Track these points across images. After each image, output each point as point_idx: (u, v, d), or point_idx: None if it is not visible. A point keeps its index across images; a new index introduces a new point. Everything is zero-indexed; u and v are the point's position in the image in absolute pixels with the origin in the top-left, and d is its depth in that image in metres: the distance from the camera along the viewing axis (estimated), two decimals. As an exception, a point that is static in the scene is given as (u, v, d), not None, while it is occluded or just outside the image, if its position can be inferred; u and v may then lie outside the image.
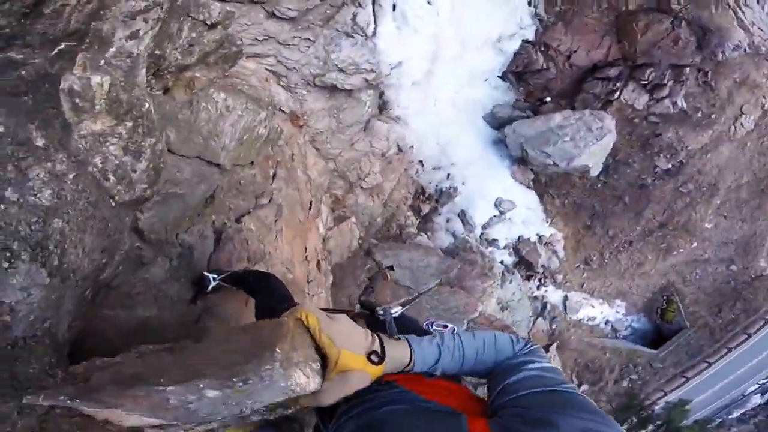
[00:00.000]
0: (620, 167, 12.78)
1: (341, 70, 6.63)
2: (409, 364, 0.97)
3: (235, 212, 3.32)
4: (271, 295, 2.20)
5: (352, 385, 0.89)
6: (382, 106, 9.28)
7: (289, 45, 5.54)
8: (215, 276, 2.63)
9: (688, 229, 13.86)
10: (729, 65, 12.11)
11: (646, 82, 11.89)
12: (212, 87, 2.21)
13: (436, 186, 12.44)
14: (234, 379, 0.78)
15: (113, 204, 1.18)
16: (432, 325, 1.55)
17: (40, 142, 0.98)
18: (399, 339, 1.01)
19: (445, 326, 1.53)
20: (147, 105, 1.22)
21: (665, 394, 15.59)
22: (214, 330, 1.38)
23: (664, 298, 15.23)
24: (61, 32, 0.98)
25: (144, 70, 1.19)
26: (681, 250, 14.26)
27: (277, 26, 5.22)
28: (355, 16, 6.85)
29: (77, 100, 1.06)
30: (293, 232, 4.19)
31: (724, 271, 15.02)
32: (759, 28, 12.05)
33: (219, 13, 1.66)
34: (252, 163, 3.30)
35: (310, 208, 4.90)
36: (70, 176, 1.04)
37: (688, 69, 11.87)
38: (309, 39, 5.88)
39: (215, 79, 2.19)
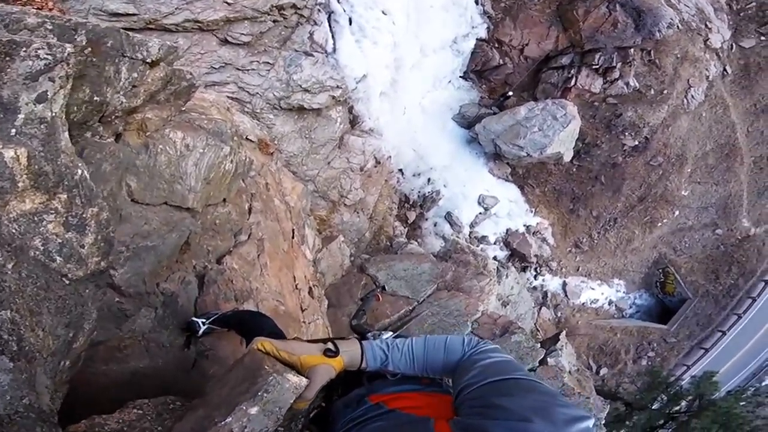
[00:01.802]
0: (591, 150, 13.20)
1: (306, 90, 6.61)
2: (362, 359, 1.12)
3: (214, 254, 3.18)
4: (260, 334, 2.15)
5: (322, 376, 1.06)
6: (354, 121, 9.30)
7: (248, 70, 5.49)
8: (203, 321, 2.56)
9: (666, 199, 14.26)
10: (668, 43, 12.83)
11: (597, 66, 12.47)
12: (167, 127, 2.10)
13: (419, 192, 12.48)
14: (259, 393, 0.96)
15: (67, 282, 1.09)
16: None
17: None
18: (350, 339, 1.17)
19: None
20: (80, 172, 1.11)
21: (688, 368, 15.48)
22: (207, 385, 1.30)
23: (660, 270, 15.41)
24: (-49, 109, 0.87)
25: (66, 134, 1.08)
26: (665, 221, 14.62)
27: (232, 52, 5.18)
28: (311, 34, 6.87)
29: None
30: (279, 264, 4.05)
31: (711, 235, 15.40)
32: (684, 5, 12.85)
33: (159, 49, 1.56)
34: (224, 200, 3.17)
35: (293, 237, 4.76)
36: (9, 266, 0.96)
37: (632, 50, 12.51)
38: (268, 62, 5.85)
39: (169, 118, 2.08)
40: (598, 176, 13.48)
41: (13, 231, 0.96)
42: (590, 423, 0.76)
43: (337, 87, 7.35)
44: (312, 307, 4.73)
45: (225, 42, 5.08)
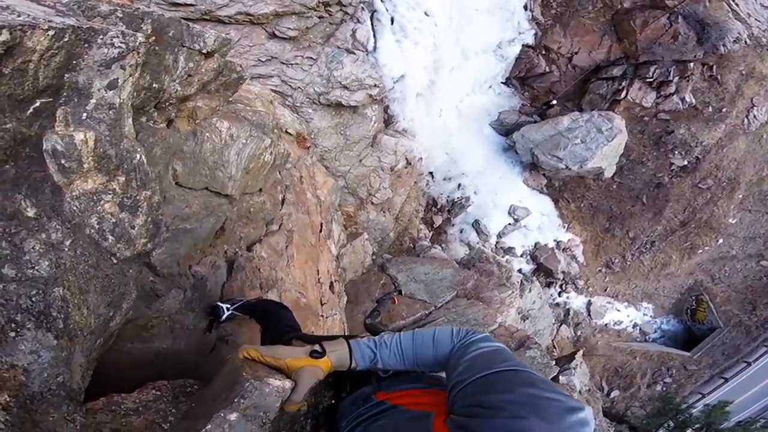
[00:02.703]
0: (635, 167, 12.58)
1: (345, 87, 6.66)
2: (351, 359, 1.10)
3: (245, 241, 3.27)
4: (277, 325, 2.20)
5: (308, 378, 1.06)
6: (388, 121, 9.30)
7: (291, 64, 5.59)
8: (228, 306, 2.62)
9: (711, 226, 13.43)
10: (733, 58, 12.02)
11: (652, 79, 11.79)
12: (215, 116, 2.16)
13: (448, 197, 12.32)
14: (236, 400, 0.97)
15: (115, 261, 1.14)
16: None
17: (30, 212, 0.95)
18: (337, 338, 1.15)
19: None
20: (138, 156, 1.17)
21: (703, 396, 14.82)
22: (199, 392, 1.35)
23: (693, 298, 14.64)
24: (31, 90, 0.93)
25: (130, 120, 1.13)
26: (706, 248, 13.78)
27: (278, 46, 5.29)
28: (354, 32, 6.91)
29: (63, 161, 1.00)
30: (305, 256, 4.11)
31: (754, 267, 14.46)
32: (756, 19, 11.98)
33: (214, 41, 1.60)
34: (260, 190, 3.24)
35: (320, 231, 4.83)
36: (67, 243, 1.03)
37: (692, 64, 11.80)
38: (311, 57, 5.93)
39: (218, 108, 2.14)
40: (640, 196, 12.83)
41: (74, 208, 1.01)
42: (584, 414, 0.73)
43: (375, 86, 7.38)
44: (331, 302, 4.78)
45: (273, 36, 5.21)
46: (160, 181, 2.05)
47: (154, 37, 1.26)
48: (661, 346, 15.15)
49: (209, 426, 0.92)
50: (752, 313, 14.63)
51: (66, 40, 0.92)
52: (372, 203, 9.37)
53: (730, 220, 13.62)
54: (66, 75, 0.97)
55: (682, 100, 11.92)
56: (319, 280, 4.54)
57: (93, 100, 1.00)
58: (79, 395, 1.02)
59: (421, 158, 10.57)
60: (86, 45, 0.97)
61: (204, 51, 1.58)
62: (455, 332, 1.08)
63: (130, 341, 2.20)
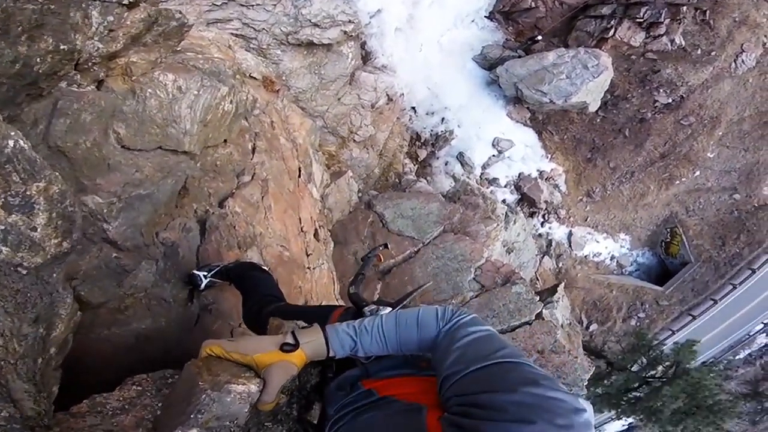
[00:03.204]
0: (619, 102, 12.52)
1: (315, 25, 6.10)
2: (329, 348, 1.03)
3: (216, 197, 3.08)
4: (256, 294, 2.12)
5: (280, 375, 0.97)
6: (366, 57, 8.73)
7: (252, 6, 5.01)
8: (205, 274, 2.49)
9: (689, 159, 13.71)
10: (727, 5, 11.75)
11: (642, 20, 11.50)
12: (157, 69, 1.90)
13: (431, 131, 12.04)
14: (192, 415, 0.89)
15: (24, 272, 0.96)
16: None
17: None
18: (311, 326, 1.06)
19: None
20: (12, 143, 0.91)
21: (673, 333, 15.62)
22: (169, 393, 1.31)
23: (668, 230, 15.17)
24: None
25: None
26: (683, 179, 14.16)
27: None
28: None
29: None
30: (284, 206, 3.98)
31: (727, 200, 14.94)
32: None
33: None
34: (225, 141, 3.02)
35: (299, 175, 4.64)
36: None
37: (684, 8, 11.47)
38: None
39: (159, 61, 1.88)
40: (623, 129, 12.90)
41: None
42: (588, 414, 0.70)
43: (349, 22, 6.77)
44: (317, 251, 4.74)
45: None
46: (99, 148, 1.85)
47: None
48: (636, 279, 15.68)
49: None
50: (721, 248, 15.26)
51: None
52: (354, 141, 9.09)
53: (708, 155, 13.86)
54: None
55: (672, 41, 11.73)
56: (302, 229, 4.45)
57: None
58: (41, 420, 0.92)
59: (403, 94, 10.11)
60: None
61: (124, 2, 1.32)
62: (440, 313, 1.02)
63: (107, 327, 2.10)
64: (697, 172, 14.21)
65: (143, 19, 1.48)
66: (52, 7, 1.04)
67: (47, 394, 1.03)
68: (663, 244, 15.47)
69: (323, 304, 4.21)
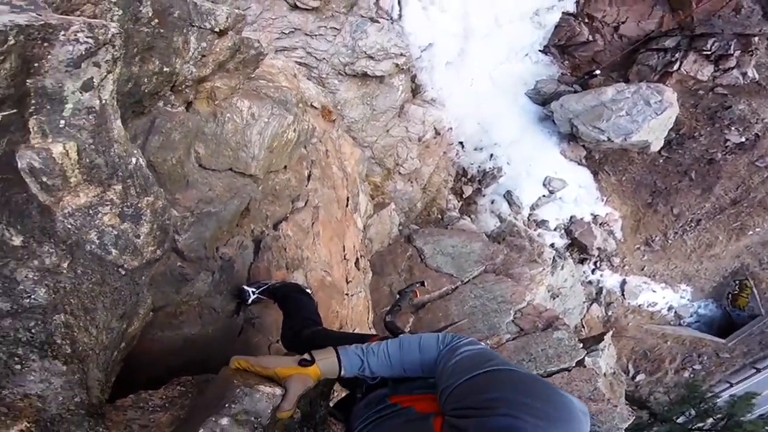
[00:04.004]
0: (685, 142, 11.68)
1: (370, 57, 6.43)
2: (340, 366, 1.13)
3: (272, 219, 3.24)
4: (297, 316, 2.21)
5: (297, 386, 1.08)
6: (416, 90, 8.97)
7: (315, 35, 5.39)
8: (254, 290, 2.62)
9: (765, 206, 12.39)
10: None
11: (709, 52, 10.80)
12: (235, 95, 2.06)
13: (479, 167, 11.88)
14: (226, 405, 1.00)
15: (123, 273, 1.09)
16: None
17: (17, 241, 0.88)
18: (326, 348, 1.18)
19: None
20: (135, 161, 1.06)
21: (731, 386, 14.23)
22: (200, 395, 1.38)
23: (737, 282, 13.76)
24: (-13, 104, 0.82)
25: (118, 122, 1.02)
26: (757, 230, 12.77)
27: (301, 17, 5.07)
28: (377, 1, 6.56)
29: (44, 178, 0.91)
30: (330, 233, 4.08)
31: None
32: None
33: (227, 18, 1.48)
34: (285, 167, 3.17)
35: (347, 204, 4.77)
36: (65, 265, 0.95)
37: (756, 38, 10.68)
38: (335, 28, 5.70)
39: (237, 87, 2.04)
40: (689, 171, 11.91)
41: (69, 227, 0.93)
42: (577, 408, 0.75)
43: (401, 55, 7.08)
44: (356, 280, 4.78)
45: (295, 7, 4.98)
46: (182, 165, 2.00)
47: (157, 20, 1.13)
48: (695, 331, 14.42)
49: (201, 431, 0.94)
50: None
51: (12, 43, 0.80)
52: (399, 173, 9.22)
53: None
54: (28, 81, 0.86)
55: (743, 74, 10.90)
56: (345, 257, 4.52)
57: (69, 105, 0.90)
58: (100, 408, 1.01)
59: (451, 128, 10.18)
60: (46, 44, 0.85)
61: (216, 29, 1.46)
62: (441, 338, 1.10)
63: (161, 329, 2.24)
64: None
65: (229, 47, 1.62)
66: (162, 31, 1.16)
67: (109, 386, 1.12)
68: (730, 296, 14.03)
69: (357, 331, 4.25)
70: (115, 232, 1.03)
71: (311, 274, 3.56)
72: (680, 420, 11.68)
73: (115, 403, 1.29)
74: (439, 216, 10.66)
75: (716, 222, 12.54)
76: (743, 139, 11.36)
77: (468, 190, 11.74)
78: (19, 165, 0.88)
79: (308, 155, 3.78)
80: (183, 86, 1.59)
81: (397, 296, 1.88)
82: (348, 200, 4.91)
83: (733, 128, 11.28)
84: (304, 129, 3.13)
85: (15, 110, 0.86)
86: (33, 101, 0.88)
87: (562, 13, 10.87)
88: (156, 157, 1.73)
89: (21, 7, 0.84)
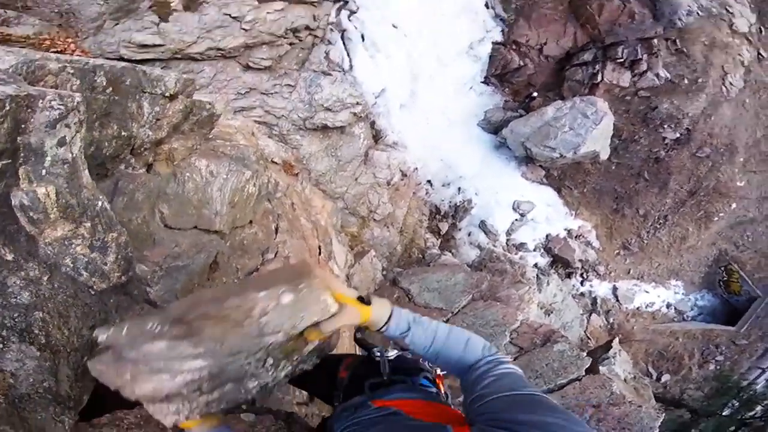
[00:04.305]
0: (629, 146, 12.50)
1: (328, 109, 6.84)
2: (387, 321, 1.11)
3: (242, 272, 3.34)
4: None
5: (347, 316, 1.05)
6: (377, 136, 9.46)
7: (271, 93, 5.76)
8: None
9: (720, 192, 13.10)
10: (691, 30, 12.18)
11: (622, 59, 11.93)
12: (193, 155, 2.28)
13: (450, 202, 12.30)
14: (299, 286, 0.97)
15: (92, 293, 1.28)
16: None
17: (9, 257, 1.11)
18: (384, 299, 1.16)
19: None
20: (100, 203, 1.35)
21: (763, 372, 13.86)
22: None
23: (722, 269, 14.04)
24: (-9, 156, 1.10)
25: (86, 171, 1.32)
26: (721, 215, 13.39)
27: (255, 77, 5.45)
28: (327, 53, 7.13)
29: (31, 213, 1.15)
30: (307, 280, 4.14)
31: None
32: None
33: (175, 83, 1.73)
34: (251, 222, 3.34)
35: (319, 254, 4.89)
36: (44, 279, 1.20)
37: (655, 40, 11.93)
38: (289, 84, 6.12)
39: (195, 147, 2.26)
40: (641, 172, 12.65)
41: (48, 252, 1.17)
42: None
43: (357, 103, 7.54)
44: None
45: (248, 67, 5.40)
46: (147, 225, 2.16)
47: (111, 88, 1.38)
48: (701, 323, 14.40)
49: (263, 293, 0.93)
50: None
51: (8, 108, 1.06)
52: (374, 220, 9.44)
53: (738, 183, 13.28)
54: (18, 138, 1.11)
55: (657, 75, 12.03)
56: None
57: (48, 158, 1.17)
58: (68, 401, 1.13)
59: (416, 168, 10.67)
60: (29, 110, 1.12)
61: (167, 94, 1.71)
62: (486, 346, 1.13)
63: None
64: (734, 205, 13.47)
65: (181, 110, 1.86)
66: (116, 97, 1.40)
67: (79, 391, 1.23)
68: (721, 283, 14.22)
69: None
70: (86, 259, 1.25)
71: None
72: (725, 412, 11.28)
73: (91, 422, 1.37)
74: (420, 255, 10.80)
75: (681, 215, 13.14)
76: (678, 135, 12.29)
77: (444, 227, 12.04)
78: (13, 203, 1.14)
79: (274, 209, 3.98)
80: (142, 149, 1.80)
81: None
82: (320, 249, 5.05)
83: (665, 126, 12.21)
84: (264, 183, 3.36)
85: (10, 161, 1.13)
86: (22, 154, 1.14)
87: (492, 43, 11.88)
88: (121, 217, 1.89)
89: (4, 80, 1.11)
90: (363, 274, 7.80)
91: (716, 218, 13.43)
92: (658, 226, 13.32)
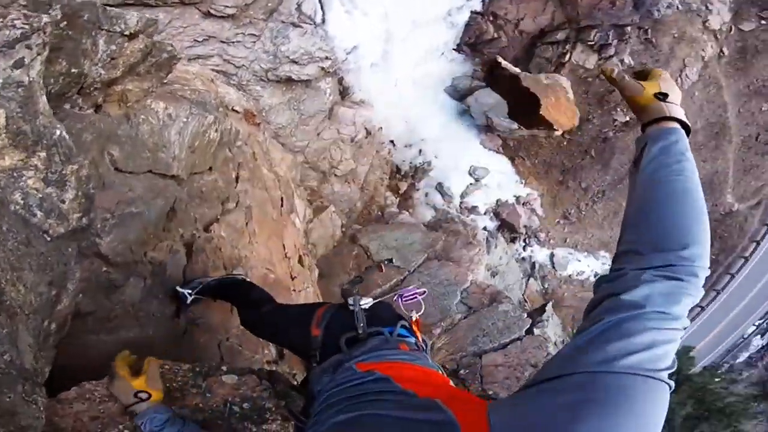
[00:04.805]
0: (583, 124, 13.22)
1: (294, 62, 6.47)
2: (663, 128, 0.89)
3: (201, 221, 3.23)
4: (248, 298, 2.26)
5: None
6: (344, 92, 9.16)
7: (233, 42, 5.33)
8: (189, 291, 2.59)
9: (655, 175, 14.44)
10: (666, 22, 12.84)
11: (593, 42, 12.41)
12: (149, 97, 2.12)
13: (410, 163, 12.51)
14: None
15: (48, 239, 1.13)
16: (402, 298, 1.58)
17: None
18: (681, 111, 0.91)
19: (415, 294, 1.62)
20: (58, 132, 1.15)
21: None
22: None
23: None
24: None
25: (44, 97, 1.12)
26: (651, 195, 14.83)
27: (216, 25, 5.00)
28: (299, 5, 6.66)
29: None
30: (267, 232, 4.13)
31: None
32: None
33: (137, 22, 1.57)
34: (210, 168, 3.21)
35: (282, 205, 4.83)
36: None
37: (629, 28, 12.50)
38: (253, 34, 5.68)
39: (151, 89, 2.10)
40: (589, 150, 13.64)
41: None
42: None
43: (327, 58, 7.18)
44: (302, 276, 4.84)
45: (208, 15, 4.88)
46: (96, 166, 2.02)
47: (66, 22, 1.24)
48: None
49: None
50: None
51: None
52: (335, 175, 9.35)
53: None
54: None
55: (621, 62, 12.72)
56: (286, 255, 4.58)
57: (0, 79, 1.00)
58: (35, 376, 1.03)
59: (381, 127, 10.56)
60: None
61: (126, 33, 1.55)
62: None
63: (95, 333, 2.17)
64: None
65: (141, 50, 1.71)
66: (70, 32, 1.26)
67: (44, 362, 1.14)
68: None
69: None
70: (40, 195, 1.10)
71: (252, 272, 3.58)
72: None
73: (58, 397, 1.30)
74: (380, 213, 10.96)
75: (618, 191, 14.42)
76: (627, 118, 13.26)
77: (403, 186, 12.27)
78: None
79: (234, 157, 3.82)
80: (91, 88, 1.65)
81: (359, 272, 1.98)
82: (282, 200, 4.98)
83: (618, 109, 13.12)
84: (226, 129, 3.21)
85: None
86: (-32, 72, 0.94)
87: (471, 12, 11.80)
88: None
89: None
90: (322, 230, 7.80)
91: (646, 197, 14.85)
92: (596, 200, 14.58)
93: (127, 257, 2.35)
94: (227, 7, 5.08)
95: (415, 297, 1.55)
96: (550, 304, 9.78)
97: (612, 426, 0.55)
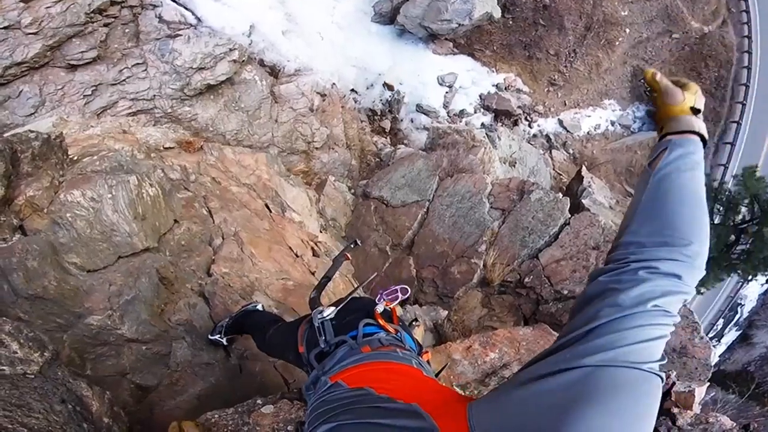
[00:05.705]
0: (516, 0, 12.73)
1: (201, 68, 6.02)
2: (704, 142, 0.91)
3: (200, 270, 3.24)
4: (256, 326, 2.33)
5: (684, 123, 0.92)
6: (274, 71, 8.59)
7: (124, 81, 4.95)
8: (219, 337, 2.72)
9: (610, 21, 13.83)
10: None
11: None
12: (60, 192, 1.99)
13: (381, 100, 12.00)
14: None
15: (32, 376, 1.24)
16: (382, 297, 1.49)
17: None
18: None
19: (396, 292, 1.50)
20: None
21: (725, 168, 14.97)
22: None
23: (641, 81, 14.88)
24: None
25: None
26: (621, 39, 14.19)
27: (90, 73, 4.62)
28: (160, 16, 6.01)
29: None
30: (266, 245, 4.09)
31: (670, 41, 15.00)
32: None
33: None
34: (176, 221, 3.12)
35: (270, 211, 4.72)
36: None
37: None
38: (138, 63, 5.24)
39: (54, 181, 1.96)
40: (536, 21, 13.03)
41: None
42: None
43: (231, 50, 6.58)
44: (322, 266, 4.82)
45: (72, 67, 4.45)
46: (66, 282, 1.97)
47: None
48: (648, 132, 15.16)
49: None
50: (700, 77, 15.12)
51: None
52: (316, 149, 9.08)
53: (623, 13, 14.06)
54: None
55: None
56: (296, 255, 4.55)
57: None
58: None
59: (334, 83, 10.01)
60: None
61: None
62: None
63: (172, 398, 2.34)
64: (627, 30, 14.28)
65: (-1, 157, 1.55)
66: None
67: None
68: (646, 93, 15.13)
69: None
70: None
71: (270, 289, 3.61)
72: (717, 220, 10.25)
73: None
74: (378, 159, 10.68)
75: (587, 47, 13.81)
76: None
77: (387, 124, 11.90)
78: None
79: (196, 195, 3.70)
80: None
81: (332, 262, 1.89)
82: (267, 206, 4.86)
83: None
84: (162, 177, 3.05)
85: None
86: None
87: None
88: (35, 290, 1.71)
89: None
90: (333, 203, 7.58)
91: (617, 43, 14.20)
92: (572, 60, 13.92)
93: (153, 331, 2.48)
94: (83, 52, 4.64)
95: (397, 296, 1.49)
96: (584, 168, 9.27)
97: (607, 423, 0.56)
